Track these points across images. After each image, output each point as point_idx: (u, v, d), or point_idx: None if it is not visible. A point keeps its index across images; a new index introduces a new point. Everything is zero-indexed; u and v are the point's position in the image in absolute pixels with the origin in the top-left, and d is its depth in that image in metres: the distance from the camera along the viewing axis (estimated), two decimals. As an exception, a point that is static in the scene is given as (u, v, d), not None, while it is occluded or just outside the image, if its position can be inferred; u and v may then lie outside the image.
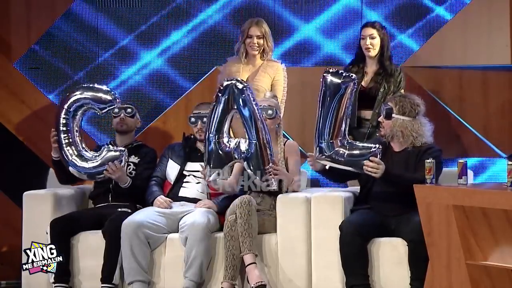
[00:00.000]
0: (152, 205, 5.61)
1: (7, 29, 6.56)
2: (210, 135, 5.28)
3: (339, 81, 5.12)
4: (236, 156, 5.28)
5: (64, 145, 5.55)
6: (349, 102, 5.15)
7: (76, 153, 5.56)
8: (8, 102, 6.56)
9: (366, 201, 5.32)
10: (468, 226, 4.54)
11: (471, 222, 4.53)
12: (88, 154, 5.57)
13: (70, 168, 5.57)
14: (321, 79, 5.17)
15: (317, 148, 5.19)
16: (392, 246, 5.17)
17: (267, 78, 6.00)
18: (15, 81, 6.57)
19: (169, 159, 5.79)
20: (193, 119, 5.73)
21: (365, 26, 5.89)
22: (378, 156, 5.11)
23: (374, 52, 5.84)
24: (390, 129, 5.27)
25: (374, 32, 5.83)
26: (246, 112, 5.22)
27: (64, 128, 5.54)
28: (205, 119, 5.61)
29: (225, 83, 5.27)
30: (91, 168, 5.55)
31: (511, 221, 4.42)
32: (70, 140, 5.55)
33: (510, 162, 4.63)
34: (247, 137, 5.26)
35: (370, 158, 5.07)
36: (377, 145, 5.15)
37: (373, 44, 5.83)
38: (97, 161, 5.55)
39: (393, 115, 5.25)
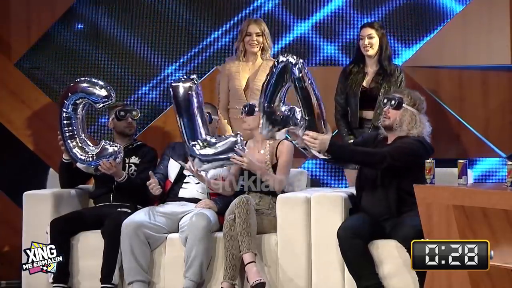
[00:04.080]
0: (151, 196, 5.65)
1: (7, 29, 6.56)
2: (265, 104, 5.13)
3: (187, 85, 5.25)
4: (291, 123, 5.10)
5: (68, 138, 5.57)
6: (198, 102, 5.27)
7: (78, 145, 5.58)
8: (8, 102, 6.56)
9: (359, 207, 5.31)
10: (468, 226, 4.53)
11: (471, 222, 4.53)
12: (90, 147, 5.60)
13: (78, 164, 5.60)
14: (170, 91, 5.30)
15: (195, 160, 5.29)
16: (392, 247, 5.16)
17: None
18: (15, 81, 6.57)
19: (170, 158, 5.79)
20: (193, 119, 5.74)
21: (364, 26, 5.89)
22: (239, 145, 5.26)
23: (372, 51, 5.83)
24: (395, 118, 5.21)
25: (372, 32, 5.83)
26: (300, 88, 5.06)
27: (67, 122, 5.57)
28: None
29: (281, 59, 5.08)
30: (87, 160, 5.57)
31: (511, 221, 4.42)
32: (74, 133, 5.58)
33: (510, 162, 4.63)
34: (302, 112, 5.08)
35: (306, 132, 5.02)
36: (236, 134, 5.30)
37: (371, 43, 5.83)
38: (93, 156, 5.57)
39: (403, 105, 5.22)
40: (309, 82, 5.04)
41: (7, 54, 6.58)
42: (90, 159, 5.58)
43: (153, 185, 5.54)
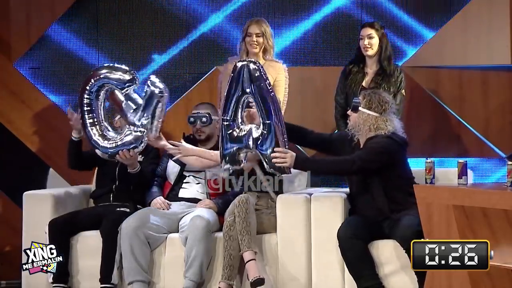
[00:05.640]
0: (150, 206, 5.62)
1: (7, 29, 6.57)
2: (225, 118, 5.14)
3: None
4: (249, 143, 5.10)
5: (89, 125, 5.48)
6: None
7: (99, 133, 5.49)
8: (8, 102, 6.56)
9: (354, 209, 5.32)
10: (468, 226, 4.53)
11: (471, 222, 4.53)
12: (111, 134, 5.51)
13: (97, 150, 5.50)
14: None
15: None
16: (392, 247, 5.16)
17: (269, 78, 5.98)
18: (15, 81, 6.58)
19: (169, 159, 5.80)
20: (192, 119, 5.74)
21: (364, 26, 5.88)
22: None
23: (371, 51, 5.82)
24: (354, 121, 5.25)
25: (372, 32, 5.82)
26: (257, 93, 5.06)
27: (88, 108, 5.46)
28: (204, 119, 5.67)
29: (239, 64, 5.12)
30: (111, 148, 5.45)
31: (511, 221, 4.42)
32: (95, 120, 5.48)
33: (510, 162, 4.64)
34: (260, 118, 5.07)
35: (275, 149, 5.03)
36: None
37: (371, 44, 5.81)
38: (117, 142, 5.45)
39: (359, 108, 5.24)
40: (267, 83, 5.06)
41: (7, 54, 6.58)
42: (113, 145, 5.45)
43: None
